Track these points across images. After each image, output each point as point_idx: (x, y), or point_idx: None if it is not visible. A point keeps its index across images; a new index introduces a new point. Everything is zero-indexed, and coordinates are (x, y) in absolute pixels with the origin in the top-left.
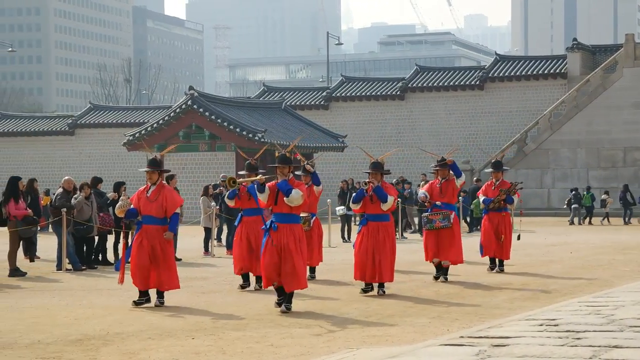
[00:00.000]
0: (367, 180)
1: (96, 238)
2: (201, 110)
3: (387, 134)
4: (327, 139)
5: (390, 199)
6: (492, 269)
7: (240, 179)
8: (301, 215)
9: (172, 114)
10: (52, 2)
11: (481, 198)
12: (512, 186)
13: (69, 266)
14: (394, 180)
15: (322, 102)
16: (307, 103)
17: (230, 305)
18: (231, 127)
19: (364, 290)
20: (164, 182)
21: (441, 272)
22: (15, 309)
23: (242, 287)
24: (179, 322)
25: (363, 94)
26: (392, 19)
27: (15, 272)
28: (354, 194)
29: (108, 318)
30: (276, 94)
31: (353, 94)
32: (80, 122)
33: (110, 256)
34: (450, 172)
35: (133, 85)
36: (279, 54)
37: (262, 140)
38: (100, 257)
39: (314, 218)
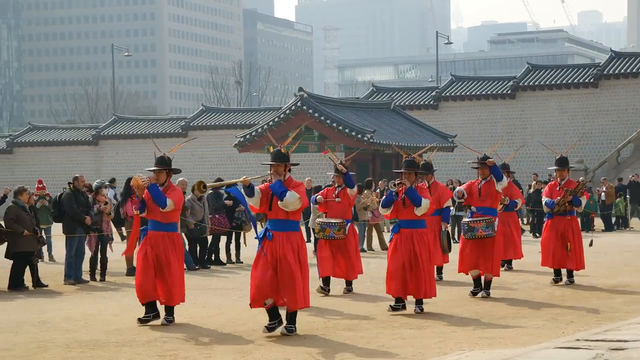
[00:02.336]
0: (399, 180)
1: (209, 238)
2: (310, 111)
3: (497, 134)
4: (437, 139)
5: (425, 202)
6: (556, 281)
7: (212, 184)
8: (334, 221)
9: (282, 115)
10: (166, 7)
11: (544, 200)
12: (578, 186)
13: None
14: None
15: (431, 102)
16: (416, 103)
17: (341, 305)
18: (340, 127)
19: (393, 308)
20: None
21: (479, 287)
22: (133, 307)
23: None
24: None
25: (473, 93)
26: (502, 17)
27: (132, 271)
28: (383, 197)
29: (221, 317)
30: (385, 94)
31: (463, 94)
32: (192, 124)
33: (222, 256)
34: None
35: (244, 87)
36: (388, 55)
37: (371, 140)
38: (213, 257)
39: (349, 225)
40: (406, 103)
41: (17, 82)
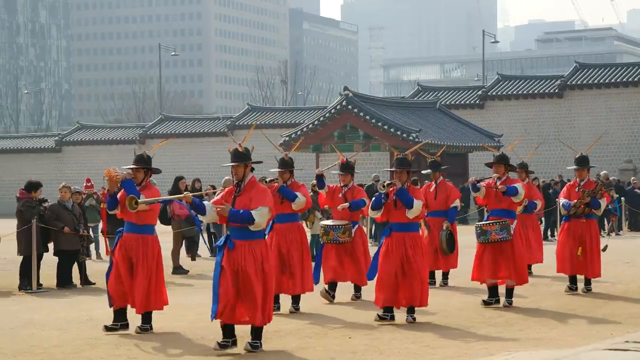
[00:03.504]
0: (389, 181)
1: None
2: (356, 110)
3: (544, 133)
4: (483, 138)
5: (417, 204)
6: (571, 289)
7: (144, 200)
8: (340, 224)
9: (327, 115)
10: (213, 6)
11: (561, 201)
12: (597, 186)
13: None
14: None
15: (477, 101)
16: (462, 102)
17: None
18: (385, 127)
19: (381, 317)
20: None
21: (495, 296)
22: (180, 306)
23: (295, 309)
24: (337, 322)
25: (520, 92)
26: (550, 15)
27: (178, 270)
28: (373, 199)
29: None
30: (430, 93)
31: (509, 93)
32: (238, 124)
33: None
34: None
35: (289, 86)
36: (434, 54)
37: (417, 140)
38: None
39: (357, 227)
40: (452, 102)
41: (66, 81)
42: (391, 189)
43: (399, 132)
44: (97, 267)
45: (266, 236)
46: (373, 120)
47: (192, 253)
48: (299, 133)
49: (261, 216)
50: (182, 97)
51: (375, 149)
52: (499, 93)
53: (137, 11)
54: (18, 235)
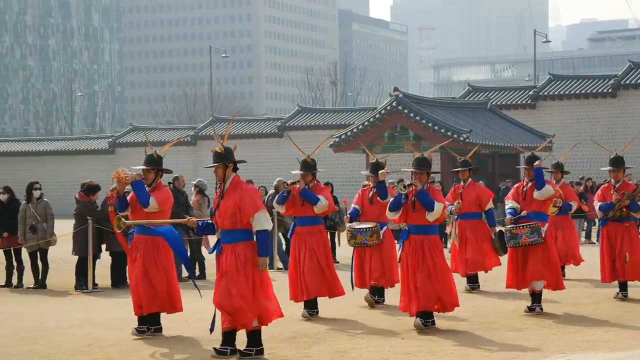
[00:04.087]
0: (409, 181)
1: None
2: (406, 111)
3: (597, 133)
4: (534, 138)
5: (438, 206)
6: (625, 296)
7: (131, 222)
8: (367, 226)
9: (377, 115)
10: (262, 8)
11: (597, 204)
12: (637, 188)
13: (280, 265)
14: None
15: (528, 102)
16: (513, 102)
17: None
18: (436, 127)
19: (424, 324)
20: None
21: (538, 301)
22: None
23: (310, 314)
24: (389, 322)
25: (572, 92)
26: (602, 14)
27: None
28: (391, 199)
29: (319, 316)
30: (481, 93)
31: (561, 93)
32: (288, 125)
33: None
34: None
35: (339, 87)
36: (484, 54)
37: (467, 140)
38: None
39: (385, 228)
40: (503, 102)
41: (118, 83)
42: (410, 190)
43: (449, 133)
44: None
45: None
46: (423, 121)
47: None
48: (348, 134)
49: (267, 222)
50: (232, 99)
51: (425, 150)
52: (550, 93)
53: (187, 14)
54: (74, 236)
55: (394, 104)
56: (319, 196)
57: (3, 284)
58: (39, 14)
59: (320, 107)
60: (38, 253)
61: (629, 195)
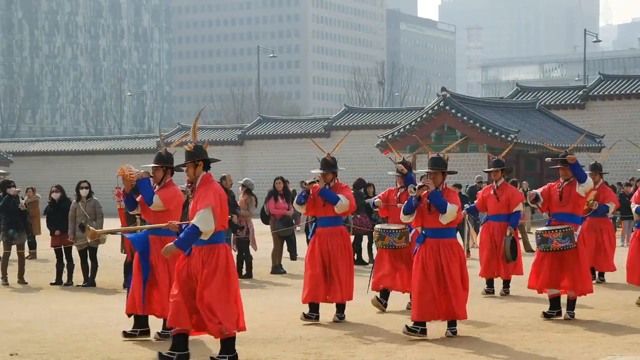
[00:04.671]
0: (421, 183)
1: (351, 238)
2: (453, 111)
3: None
4: (583, 139)
5: (452, 208)
6: None
7: (103, 230)
8: (395, 228)
9: (424, 116)
10: (311, 8)
11: (633, 207)
12: None
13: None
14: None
15: (578, 102)
16: (562, 102)
17: (486, 307)
18: (483, 127)
19: (410, 330)
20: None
21: (556, 308)
22: (277, 305)
23: (307, 317)
24: (433, 324)
25: (622, 92)
26: None
27: (276, 269)
28: (405, 202)
29: (364, 316)
30: (530, 93)
31: (611, 93)
32: (335, 125)
33: (365, 256)
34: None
35: (386, 87)
36: (533, 53)
37: (515, 141)
38: (355, 257)
39: (414, 231)
40: (551, 103)
41: (167, 83)
42: (423, 192)
43: (497, 133)
44: None
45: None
46: (471, 121)
47: (291, 253)
48: (396, 134)
49: (202, 221)
50: (279, 99)
51: (472, 150)
52: (600, 93)
53: (236, 14)
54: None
55: (441, 103)
56: (340, 195)
57: (53, 281)
58: (90, 15)
59: (367, 107)
60: (87, 251)
61: None
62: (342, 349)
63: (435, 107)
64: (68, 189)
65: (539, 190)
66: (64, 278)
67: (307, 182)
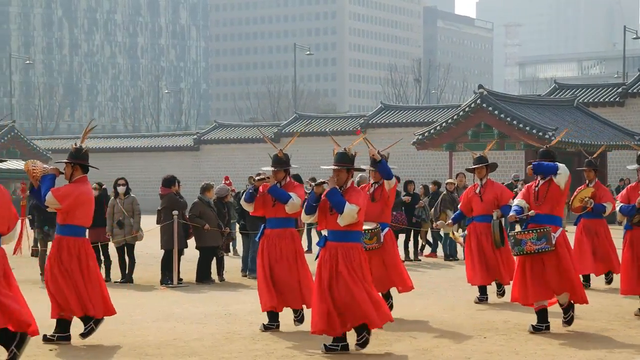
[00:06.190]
0: (321, 180)
1: None
2: (490, 108)
3: None
4: (622, 136)
5: (349, 209)
6: None
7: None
8: (366, 228)
9: (461, 113)
10: (347, 6)
11: (618, 206)
12: None
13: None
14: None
15: (617, 99)
16: (601, 100)
17: (519, 306)
18: (520, 125)
19: (328, 348)
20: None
21: (544, 322)
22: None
23: (266, 328)
24: (470, 322)
25: None
26: None
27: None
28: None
29: (399, 314)
30: (568, 91)
31: None
32: (371, 122)
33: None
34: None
35: (422, 85)
36: (571, 50)
37: (553, 139)
38: None
39: (387, 230)
40: (590, 100)
41: (204, 81)
42: (322, 189)
43: (534, 131)
44: (233, 264)
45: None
46: (508, 119)
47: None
48: (432, 132)
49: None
50: (316, 96)
51: (509, 148)
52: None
53: (273, 11)
54: (162, 229)
55: (478, 101)
56: (291, 194)
57: None
58: (129, 13)
59: (403, 105)
60: (125, 248)
61: None
62: (377, 346)
63: (472, 105)
64: (106, 186)
65: (518, 199)
66: (102, 274)
67: (257, 178)
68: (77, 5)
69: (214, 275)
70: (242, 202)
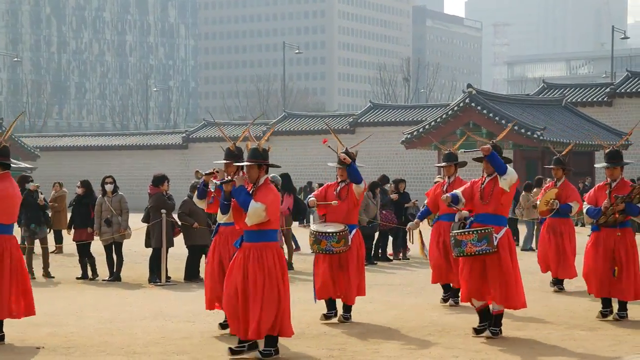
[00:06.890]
0: (229, 177)
1: (376, 235)
2: (479, 108)
3: None
4: (610, 136)
5: (254, 207)
6: (604, 315)
7: None
8: (334, 230)
9: (449, 112)
10: (336, 4)
11: (585, 207)
12: (633, 190)
13: None
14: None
15: (605, 99)
16: (589, 100)
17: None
18: (509, 124)
19: (235, 351)
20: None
21: (486, 322)
22: (303, 301)
23: (223, 326)
24: (458, 320)
25: None
26: None
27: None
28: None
29: (389, 313)
30: (556, 90)
31: (639, 90)
32: (360, 121)
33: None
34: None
35: (411, 84)
36: (559, 50)
37: (541, 138)
38: (380, 254)
39: (355, 231)
40: (578, 100)
41: (192, 79)
42: (228, 186)
43: (523, 130)
44: None
45: None
46: (497, 118)
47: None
48: (420, 130)
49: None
50: (304, 95)
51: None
52: (628, 90)
53: (262, 10)
54: (150, 229)
55: (467, 100)
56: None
57: (79, 276)
58: (117, 10)
59: (392, 104)
60: (113, 246)
61: (623, 198)
62: (366, 345)
63: (461, 104)
64: (94, 184)
65: (459, 190)
66: (89, 273)
67: (205, 172)
68: (66, 3)
69: (203, 273)
70: (194, 199)
